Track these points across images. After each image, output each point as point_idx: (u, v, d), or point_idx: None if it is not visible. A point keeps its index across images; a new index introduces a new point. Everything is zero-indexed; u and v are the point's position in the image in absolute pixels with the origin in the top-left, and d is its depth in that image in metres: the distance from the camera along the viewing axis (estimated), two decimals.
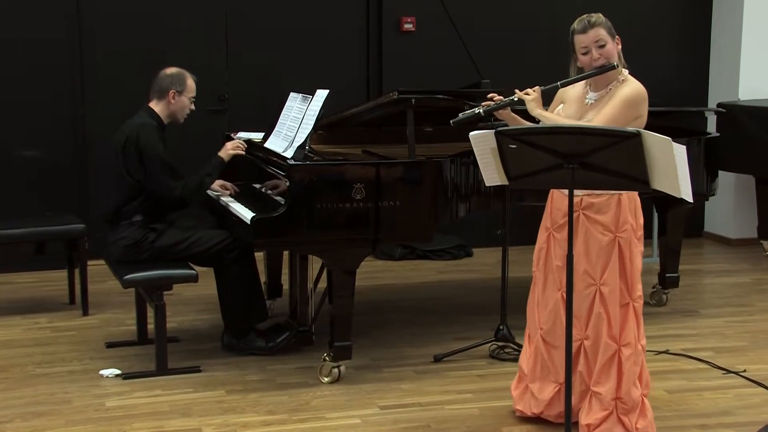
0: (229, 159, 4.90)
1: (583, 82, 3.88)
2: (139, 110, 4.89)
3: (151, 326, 4.88)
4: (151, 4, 6.91)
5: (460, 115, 3.90)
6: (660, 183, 3.20)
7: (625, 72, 3.82)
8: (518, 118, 3.91)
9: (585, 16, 3.80)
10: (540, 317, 3.97)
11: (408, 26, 7.29)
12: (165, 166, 4.73)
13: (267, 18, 7.13)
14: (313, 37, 7.21)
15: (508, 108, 3.87)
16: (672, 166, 3.10)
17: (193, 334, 5.33)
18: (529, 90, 3.82)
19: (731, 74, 7.70)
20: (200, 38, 6.99)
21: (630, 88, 3.76)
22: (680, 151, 3.07)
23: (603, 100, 3.79)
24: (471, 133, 3.48)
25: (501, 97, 3.88)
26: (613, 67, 3.75)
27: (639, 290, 3.85)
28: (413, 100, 4.62)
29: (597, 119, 3.72)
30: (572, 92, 3.92)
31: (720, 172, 6.12)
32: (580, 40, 3.78)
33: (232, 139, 5.55)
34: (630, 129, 3.19)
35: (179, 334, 5.28)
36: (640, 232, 3.86)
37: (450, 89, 5.08)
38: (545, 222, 3.99)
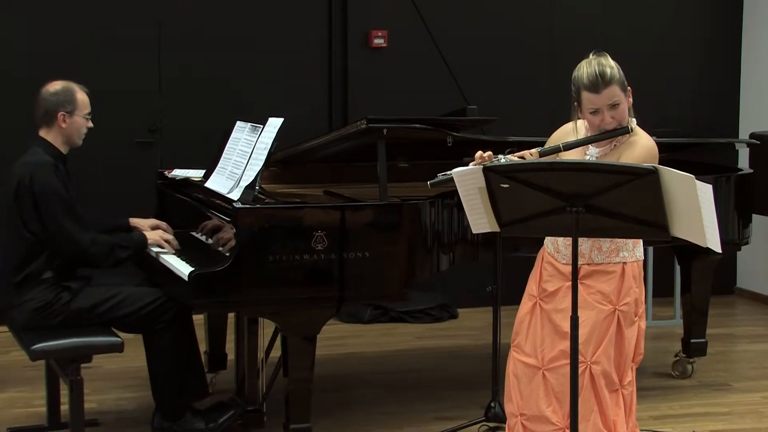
0: (152, 245, 4.89)
1: (584, 134, 3.90)
2: (32, 145, 4.85)
3: (65, 407, 4.84)
4: (65, 9, 6.92)
5: (439, 175, 3.86)
6: (682, 230, 3.23)
7: (633, 122, 3.86)
8: None
9: (595, 65, 3.75)
10: (518, 401, 3.98)
11: (378, 41, 7.36)
12: (68, 211, 4.70)
13: (209, 31, 7.16)
14: (265, 54, 7.25)
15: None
16: (696, 208, 3.13)
17: (117, 416, 5.29)
18: (525, 153, 3.83)
19: (766, 99, 7.80)
20: (127, 55, 7.01)
21: (640, 147, 3.80)
22: (705, 190, 3.11)
23: (608, 158, 3.84)
24: (455, 170, 3.51)
25: (490, 153, 3.87)
26: (626, 131, 3.78)
27: (630, 375, 3.89)
28: (385, 131, 4.64)
29: None
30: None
31: (754, 217, 6.18)
32: (590, 100, 3.77)
33: (166, 178, 5.56)
34: (645, 165, 3.23)
35: (100, 416, 5.23)
36: (642, 308, 3.90)
37: (429, 117, 5.12)
38: (530, 289, 4.02)
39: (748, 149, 7.01)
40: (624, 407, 3.87)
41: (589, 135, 3.87)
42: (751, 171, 6.19)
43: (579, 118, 3.90)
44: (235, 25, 7.20)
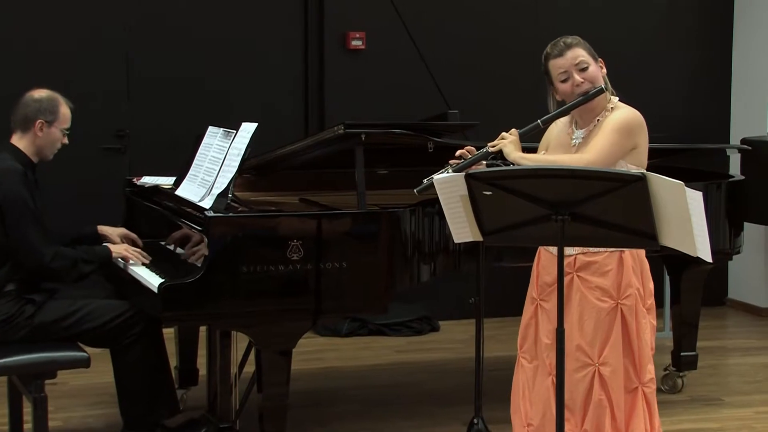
0: (117, 258, 4.86)
1: (566, 120, 3.97)
2: (1, 149, 4.83)
3: (28, 425, 4.81)
4: (29, 11, 6.89)
5: (425, 181, 3.89)
6: (671, 239, 3.24)
7: (615, 99, 3.91)
8: None
9: (559, 38, 3.93)
10: (527, 410, 3.98)
11: (356, 43, 7.36)
12: (33, 222, 4.67)
13: (180, 31, 7.14)
14: (238, 57, 7.24)
15: (483, 163, 3.91)
16: (685, 217, 3.14)
17: None
18: (504, 134, 3.88)
19: (758, 103, 7.84)
20: (93, 58, 6.99)
21: (622, 112, 3.87)
22: (695, 198, 3.12)
23: (592, 135, 3.86)
24: (436, 177, 3.51)
25: (473, 148, 3.92)
26: (601, 91, 3.84)
27: (650, 371, 3.88)
28: (363, 136, 4.65)
29: (585, 153, 3.78)
30: (555, 134, 4.01)
31: (746, 225, 6.21)
32: (558, 65, 3.89)
33: (135, 185, 5.54)
34: (633, 171, 3.24)
35: None
36: (650, 301, 3.90)
37: (409, 122, 5.12)
38: (531, 291, 4.03)
39: (739, 155, 7.04)
40: (647, 407, 3.86)
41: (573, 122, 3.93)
42: (743, 177, 6.22)
43: (557, 102, 3.95)
44: (207, 25, 7.19)
